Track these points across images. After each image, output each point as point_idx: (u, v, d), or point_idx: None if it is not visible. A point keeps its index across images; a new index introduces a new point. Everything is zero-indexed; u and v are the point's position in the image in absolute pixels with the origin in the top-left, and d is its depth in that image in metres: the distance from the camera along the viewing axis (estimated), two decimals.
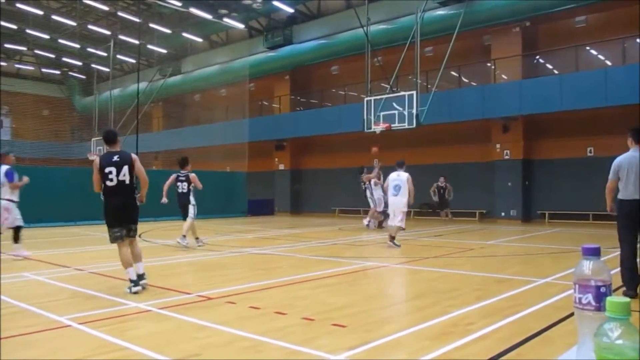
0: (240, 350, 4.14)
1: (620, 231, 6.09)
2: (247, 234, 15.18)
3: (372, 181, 16.52)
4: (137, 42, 29.73)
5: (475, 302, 5.79)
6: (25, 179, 10.19)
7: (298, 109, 28.59)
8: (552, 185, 19.74)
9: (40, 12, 29.08)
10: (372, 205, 16.68)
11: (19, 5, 27.75)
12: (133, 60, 34.97)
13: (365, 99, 18.75)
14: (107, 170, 6.44)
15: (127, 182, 6.53)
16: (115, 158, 6.51)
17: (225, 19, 27.80)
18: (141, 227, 13.50)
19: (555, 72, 20.54)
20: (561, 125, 19.31)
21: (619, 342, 0.96)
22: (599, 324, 1.02)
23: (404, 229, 11.77)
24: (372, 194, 16.53)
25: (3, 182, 9.70)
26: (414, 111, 17.26)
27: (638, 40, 17.47)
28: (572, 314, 4.72)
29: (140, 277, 6.55)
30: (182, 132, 32.31)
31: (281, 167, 28.65)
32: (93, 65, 36.33)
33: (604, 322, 1.00)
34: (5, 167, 9.82)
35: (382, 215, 16.53)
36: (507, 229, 16.96)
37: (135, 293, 6.24)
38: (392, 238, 11.27)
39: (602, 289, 1.15)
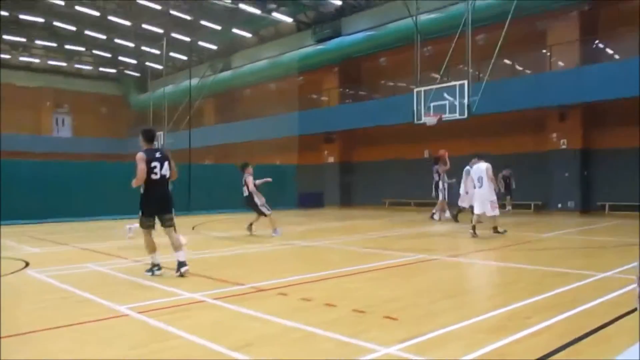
0: (292, 341, 4.19)
1: None
2: (297, 227, 15.30)
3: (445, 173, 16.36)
4: (188, 39, 30.43)
5: (531, 296, 5.62)
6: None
7: (347, 101, 28.53)
8: (612, 176, 18.91)
9: (97, 14, 30.17)
10: (441, 197, 16.41)
11: (77, 7, 28.89)
12: (185, 57, 35.81)
13: (415, 90, 18.48)
14: (152, 164, 6.93)
15: (167, 176, 7.10)
16: (158, 154, 7.06)
17: (274, 14, 28.02)
18: (195, 219, 13.86)
19: (617, 57, 19.61)
20: (622, 113, 18.42)
21: None
22: None
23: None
24: (444, 186, 16.26)
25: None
26: (466, 101, 16.89)
27: None
28: (633, 311, 4.54)
29: (182, 264, 7.03)
30: (233, 127, 32.87)
31: (330, 159, 28.70)
32: (147, 63, 37.45)
33: None
34: None
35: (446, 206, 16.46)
36: (564, 221, 16.38)
37: (159, 275, 6.97)
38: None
39: None
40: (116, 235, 12.60)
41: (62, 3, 28.71)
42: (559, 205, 19.83)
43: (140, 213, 7.14)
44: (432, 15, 21.54)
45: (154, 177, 6.94)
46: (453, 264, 8.27)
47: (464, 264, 8.21)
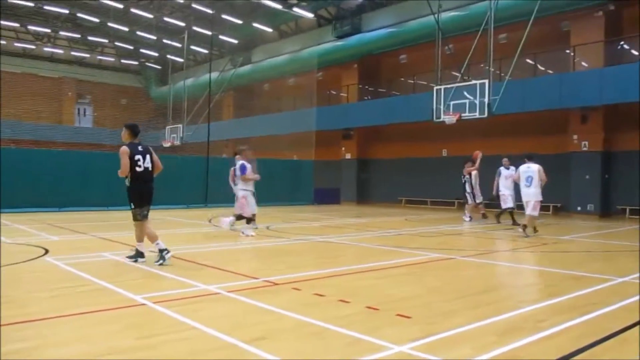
0: (305, 335, 4.20)
1: None
2: (313, 222, 15.33)
3: (473, 174, 16.11)
4: (209, 33, 30.56)
5: (548, 299, 5.57)
6: (255, 176, 11.60)
7: (366, 98, 28.44)
8: (634, 179, 18.57)
9: (121, 6, 30.45)
10: (469, 200, 16.25)
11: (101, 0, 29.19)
12: (205, 51, 35.99)
13: (435, 88, 18.36)
14: (136, 157, 7.39)
15: (150, 168, 7.57)
16: (140, 148, 7.50)
17: (295, 9, 28.00)
18: (212, 212, 13.96)
19: None
20: None
21: None
22: None
23: (537, 218, 12.13)
24: (471, 187, 16.08)
25: (238, 174, 11.41)
26: (486, 100, 16.74)
27: None
28: None
29: (164, 250, 7.41)
30: (251, 121, 32.98)
31: (348, 156, 28.66)
32: (168, 56, 37.71)
33: None
34: (240, 162, 11.41)
35: (482, 206, 16.33)
36: (583, 224, 16.16)
37: (169, 260, 7.29)
38: (524, 227, 11.90)
39: None
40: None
41: None
42: (578, 208, 19.57)
43: (132, 206, 7.54)
44: (454, 13, 21.35)
45: (138, 169, 7.40)
46: (468, 264, 8.22)
47: (480, 264, 8.16)
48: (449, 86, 17.98)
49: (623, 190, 19.00)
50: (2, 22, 33.81)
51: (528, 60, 21.17)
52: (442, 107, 17.93)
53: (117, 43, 40.17)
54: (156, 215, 16.75)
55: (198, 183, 21.41)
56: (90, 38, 38.25)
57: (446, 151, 24.79)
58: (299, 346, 3.94)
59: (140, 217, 7.55)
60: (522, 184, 11.99)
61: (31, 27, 35.86)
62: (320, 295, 5.56)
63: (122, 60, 43.90)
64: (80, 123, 42.47)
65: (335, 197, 26.45)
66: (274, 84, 34.78)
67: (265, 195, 21.08)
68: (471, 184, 16.06)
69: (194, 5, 29.98)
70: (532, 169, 11.86)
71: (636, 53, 19.78)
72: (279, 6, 27.40)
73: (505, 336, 4.17)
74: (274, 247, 10.07)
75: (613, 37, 19.41)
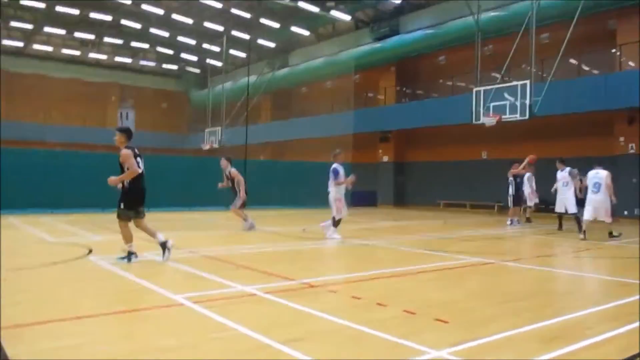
0: (342, 338, 4.19)
1: None
2: (350, 225, 15.30)
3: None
4: (247, 37, 30.94)
5: (593, 306, 5.39)
6: (350, 179, 11.69)
7: (403, 100, 28.25)
8: None
9: (161, 12, 31.18)
10: (510, 204, 15.95)
11: (143, 6, 29.96)
12: (244, 55, 36.46)
13: (475, 90, 18.08)
14: (137, 160, 7.60)
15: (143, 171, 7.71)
16: (136, 151, 7.67)
17: (332, 12, 28.07)
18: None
19: None
20: None
21: None
22: None
23: (610, 223, 12.14)
24: (514, 191, 15.75)
25: (331, 178, 11.40)
26: (527, 101, 16.38)
27: None
28: None
29: (165, 243, 7.75)
30: (288, 124, 33.20)
31: (385, 159, 28.51)
32: (207, 60, 38.38)
33: None
34: (333, 166, 11.45)
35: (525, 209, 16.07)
36: (630, 229, 15.59)
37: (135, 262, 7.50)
38: (610, 234, 12.00)
39: None
40: (170, 226, 12.98)
41: (129, 2, 29.84)
42: (625, 212, 18.90)
43: (121, 206, 7.65)
44: (494, 14, 20.99)
45: (140, 171, 7.60)
46: (510, 268, 8.04)
47: (521, 270, 7.97)
48: (488, 87, 17.68)
49: None
50: (51, 30, 35.09)
51: (572, 61, 20.62)
52: (481, 109, 17.64)
53: (158, 48, 41.14)
54: (196, 216, 17.06)
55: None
56: (132, 44, 39.29)
57: (486, 153, 24.37)
58: (335, 349, 3.93)
59: (126, 218, 7.69)
60: (590, 189, 11.93)
61: (77, 34, 37.05)
62: (357, 298, 5.54)
63: (163, 65, 44.91)
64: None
65: (373, 200, 26.33)
66: (312, 87, 34.93)
67: (303, 198, 21.20)
68: (514, 187, 15.71)
69: (232, 10, 30.43)
70: (600, 175, 11.82)
71: None
72: (316, 9, 27.52)
73: (547, 344, 4.06)
74: (311, 249, 10.08)
75: None
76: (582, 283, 7.08)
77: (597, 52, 20.66)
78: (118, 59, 42.20)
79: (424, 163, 27.20)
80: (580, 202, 12.96)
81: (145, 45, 40.51)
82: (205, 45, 37.30)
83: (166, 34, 35.61)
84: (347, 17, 29.08)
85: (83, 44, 39.77)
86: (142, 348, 3.83)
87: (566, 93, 18.45)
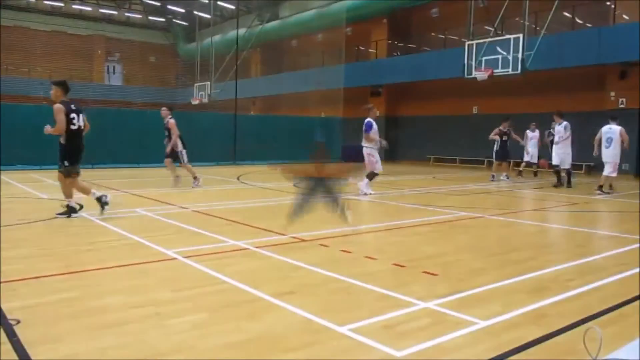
0: (332, 290, 4.28)
1: None
2: None
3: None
4: None
5: (577, 259, 5.52)
6: (376, 137, 11.41)
7: (395, 54, 27.87)
8: None
9: None
10: (494, 159, 16.06)
11: None
12: (232, 7, 35.57)
13: (467, 43, 17.86)
14: (71, 116, 7.40)
15: (82, 127, 7.59)
16: (73, 106, 7.49)
17: None
18: (240, 170, 14.11)
19: None
20: None
21: None
22: None
23: (614, 178, 12.43)
24: (499, 147, 15.69)
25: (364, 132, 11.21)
26: (520, 56, 16.24)
27: None
28: None
29: (103, 196, 7.75)
30: (278, 78, 32.76)
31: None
32: (195, 12, 37.43)
33: None
34: (367, 120, 11.34)
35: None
36: (617, 184, 15.79)
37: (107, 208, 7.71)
38: (600, 187, 12.21)
39: None
40: (163, 182, 12.98)
41: None
42: None
43: (65, 163, 7.52)
44: None
45: (73, 127, 7.39)
46: (497, 222, 8.17)
47: (508, 223, 8.10)
48: (481, 41, 17.47)
49: None
50: None
51: (565, 13, 20.33)
52: (473, 63, 17.48)
53: None
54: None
55: (226, 141, 21.55)
56: None
57: (477, 108, 24.32)
58: (326, 301, 4.02)
59: (73, 174, 7.62)
60: (603, 144, 12.18)
61: None
62: (347, 252, 5.63)
63: (150, 17, 43.77)
64: (110, 81, 42.87)
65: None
66: (302, 40, 34.30)
67: (293, 152, 21.13)
68: (500, 143, 15.74)
69: None
70: (613, 130, 12.07)
71: None
72: None
73: (532, 295, 4.17)
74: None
75: None
76: (567, 236, 7.22)
77: (591, 4, 20.36)
78: (103, 11, 41.04)
79: (414, 118, 27.10)
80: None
81: None
82: None
83: None
84: None
85: None
86: (138, 301, 3.90)
87: (559, 47, 18.28)
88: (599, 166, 19.53)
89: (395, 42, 27.89)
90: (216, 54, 30.64)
